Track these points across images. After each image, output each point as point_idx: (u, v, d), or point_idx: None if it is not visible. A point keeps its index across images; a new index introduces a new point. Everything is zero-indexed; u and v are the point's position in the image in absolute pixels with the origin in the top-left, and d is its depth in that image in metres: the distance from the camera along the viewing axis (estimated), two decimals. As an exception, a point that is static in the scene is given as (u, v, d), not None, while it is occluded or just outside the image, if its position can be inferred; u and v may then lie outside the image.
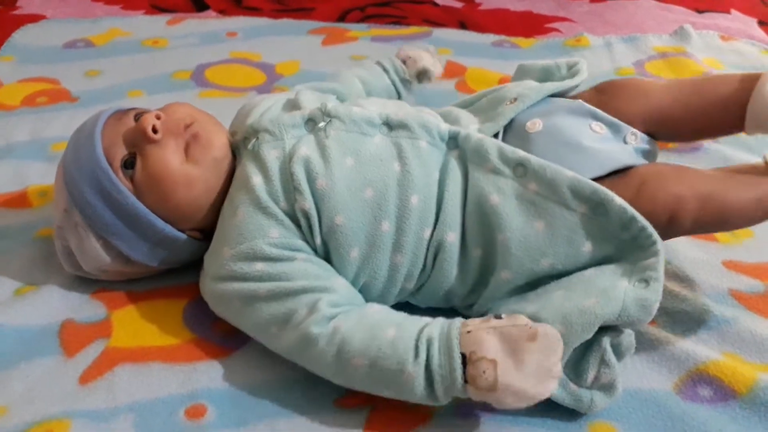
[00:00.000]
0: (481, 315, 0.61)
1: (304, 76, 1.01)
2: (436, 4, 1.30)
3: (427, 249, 0.60)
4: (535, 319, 0.55)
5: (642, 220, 0.56)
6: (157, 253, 0.64)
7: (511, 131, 0.64)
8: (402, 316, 0.56)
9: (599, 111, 0.64)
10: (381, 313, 0.56)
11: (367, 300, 0.62)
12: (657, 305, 0.52)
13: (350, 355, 0.53)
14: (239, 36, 1.14)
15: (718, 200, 0.57)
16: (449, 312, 0.65)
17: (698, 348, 0.61)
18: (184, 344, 0.62)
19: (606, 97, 0.66)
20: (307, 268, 0.58)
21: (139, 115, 0.63)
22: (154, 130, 0.60)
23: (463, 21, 1.23)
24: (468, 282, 0.61)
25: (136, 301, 0.66)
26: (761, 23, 1.24)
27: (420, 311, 0.64)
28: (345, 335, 0.53)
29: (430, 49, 0.85)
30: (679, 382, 0.58)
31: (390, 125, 0.62)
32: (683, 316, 0.65)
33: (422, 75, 0.83)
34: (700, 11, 1.28)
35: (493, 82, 1.01)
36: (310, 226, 0.59)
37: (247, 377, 0.59)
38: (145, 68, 1.04)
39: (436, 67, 0.84)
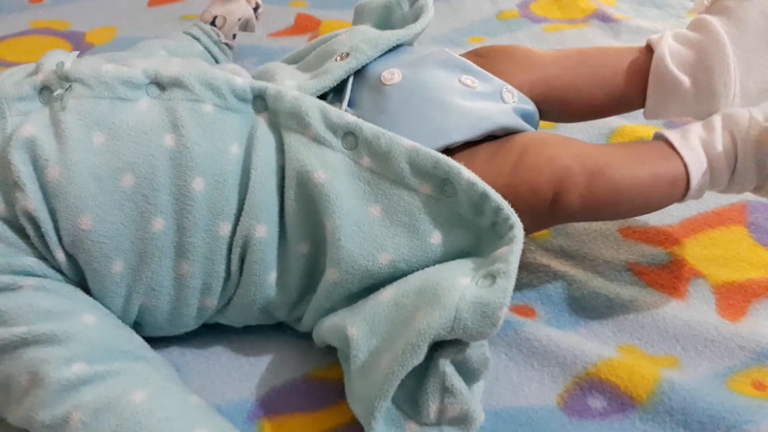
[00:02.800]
0: (310, 331, 0.47)
1: (121, 43, 0.84)
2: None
3: (229, 251, 0.45)
4: (353, 340, 0.42)
5: (496, 198, 0.42)
6: None
7: (363, 83, 0.50)
8: (164, 422, 0.39)
9: (469, 63, 0.52)
10: (136, 412, 0.39)
11: (153, 328, 0.47)
12: (503, 311, 0.38)
13: None
14: (46, 2, 0.95)
15: (609, 174, 0.46)
16: (277, 330, 0.50)
17: (588, 344, 0.49)
18: None
19: (485, 61, 0.54)
20: (35, 301, 0.42)
21: None
22: None
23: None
24: (291, 290, 0.47)
25: None
26: (658, -44, 1.12)
27: (237, 332, 0.49)
28: None
29: None
30: (565, 394, 0.46)
31: (161, 85, 0.46)
32: (570, 304, 0.53)
33: (245, 26, 0.72)
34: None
35: (353, 35, 0.85)
36: (41, 236, 0.42)
37: None
38: None
39: (248, 8, 0.73)
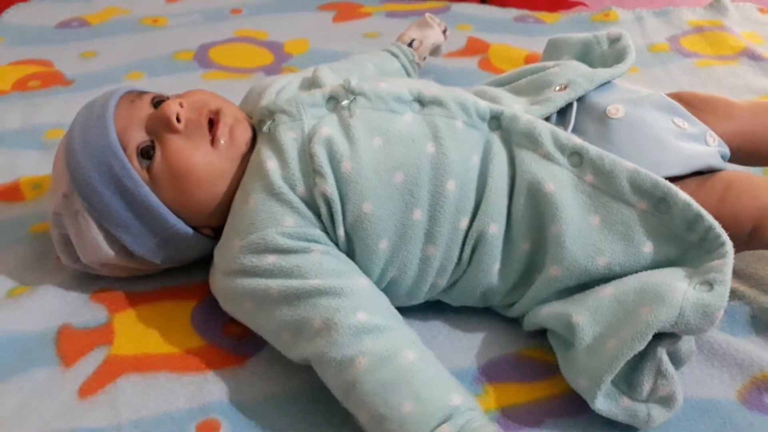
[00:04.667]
0: (521, 317, 0.57)
1: (315, 56, 0.95)
2: (452, -22, 1.22)
3: (464, 241, 0.55)
4: (578, 326, 0.50)
5: (709, 219, 0.50)
6: (165, 250, 0.58)
7: (585, 113, 0.59)
8: (430, 381, 0.47)
9: (680, 106, 0.60)
10: (409, 369, 0.47)
11: (394, 297, 0.57)
12: (721, 312, 0.47)
13: (357, 403, 0.48)
14: (244, 13, 1.08)
15: None
16: (485, 313, 0.59)
17: (761, 351, 0.55)
18: (194, 351, 0.56)
19: (687, 107, 0.61)
20: (323, 262, 0.52)
21: (157, 100, 0.58)
22: (178, 119, 0.54)
23: (482, -5, 1.16)
24: (510, 279, 0.56)
25: (140, 302, 0.61)
26: (799, -5, 1.16)
27: (452, 310, 0.59)
28: (358, 378, 0.47)
29: (427, 20, 0.83)
30: (743, 390, 0.53)
31: (422, 102, 0.56)
32: (743, 315, 0.59)
33: (435, 51, 0.82)
34: (734, -18, 1.20)
35: (519, 59, 0.94)
36: (331, 215, 0.53)
37: (264, 388, 0.53)
38: (144, 49, 0.98)
39: (440, 36, 0.82)
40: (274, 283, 0.51)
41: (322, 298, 0.50)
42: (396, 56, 0.79)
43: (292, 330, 0.51)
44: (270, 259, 0.51)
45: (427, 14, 0.84)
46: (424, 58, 0.82)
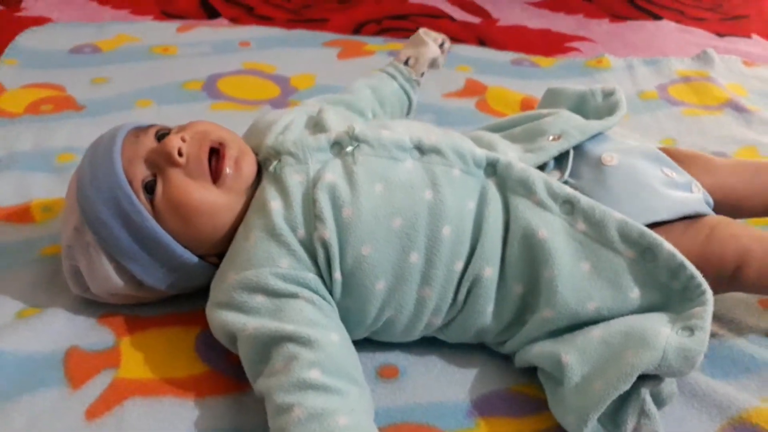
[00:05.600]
0: (513, 354, 0.59)
1: (321, 91, 0.97)
2: (453, 20, 1.28)
3: (459, 283, 0.57)
4: (567, 365, 0.52)
5: (691, 268, 0.54)
6: (173, 278, 0.60)
7: (581, 159, 0.62)
8: None
9: (667, 157, 0.64)
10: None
11: (390, 335, 0.59)
12: (701, 357, 0.50)
13: None
14: (252, 46, 1.11)
15: None
16: (479, 349, 0.62)
17: (738, 393, 0.58)
18: (198, 377, 0.58)
19: (674, 161, 0.65)
20: (304, 309, 0.54)
21: (161, 134, 0.60)
22: (179, 153, 0.57)
23: (481, 37, 1.21)
24: (504, 319, 0.58)
25: (145, 327, 0.63)
26: (782, 49, 1.23)
27: (447, 345, 0.62)
28: (288, 427, 0.48)
29: (422, 34, 0.82)
30: (721, 431, 0.55)
31: (422, 150, 0.59)
32: (722, 359, 0.62)
33: (433, 64, 0.81)
34: (721, 35, 1.26)
35: (515, 102, 0.98)
36: (328, 259, 0.55)
37: (264, 416, 0.54)
38: (154, 77, 1.00)
39: (436, 50, 0.81)
40: (253, 321, 0.53)
41: (291, 343, 0.52)
42: (393, 77, 0.79)
43: (257, 366, 0.53)
44: (259, 299, 0.54)
45: (421, 29, 0.82)
46: (422, 74, 0.81)
